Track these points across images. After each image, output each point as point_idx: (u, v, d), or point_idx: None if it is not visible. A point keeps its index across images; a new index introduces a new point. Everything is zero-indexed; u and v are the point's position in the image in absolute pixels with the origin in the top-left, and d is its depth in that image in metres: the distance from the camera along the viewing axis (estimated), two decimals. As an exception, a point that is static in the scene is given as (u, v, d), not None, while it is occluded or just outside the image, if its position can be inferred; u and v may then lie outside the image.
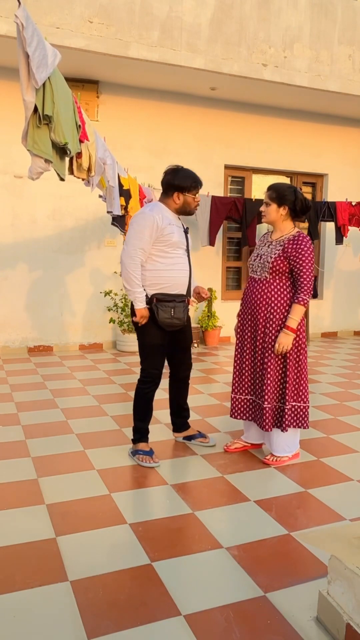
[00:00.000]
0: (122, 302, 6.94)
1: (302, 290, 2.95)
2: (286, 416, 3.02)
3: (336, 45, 6.72)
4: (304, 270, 2.94)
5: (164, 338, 3.12)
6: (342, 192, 8.13)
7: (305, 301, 2.95)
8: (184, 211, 3.12)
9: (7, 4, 5.16)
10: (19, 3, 2.56)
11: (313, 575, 2.03)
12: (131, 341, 6.80)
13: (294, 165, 7.92)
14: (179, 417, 3.47)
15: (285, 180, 8.04)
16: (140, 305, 3.01)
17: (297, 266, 2.95)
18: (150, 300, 3.02)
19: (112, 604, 1.85)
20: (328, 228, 8.07)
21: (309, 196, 8.23)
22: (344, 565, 1.65)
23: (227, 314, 7.60)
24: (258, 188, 7.92)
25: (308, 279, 2.95)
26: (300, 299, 2.95)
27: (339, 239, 7.60)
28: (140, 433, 3.21)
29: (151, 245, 2.99)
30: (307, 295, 2.95)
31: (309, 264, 2.95)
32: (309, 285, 2.95)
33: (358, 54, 6.86)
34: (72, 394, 4.67)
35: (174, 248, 3.04)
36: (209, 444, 3.39)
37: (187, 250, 3.16)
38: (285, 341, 2.96)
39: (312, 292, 2.98)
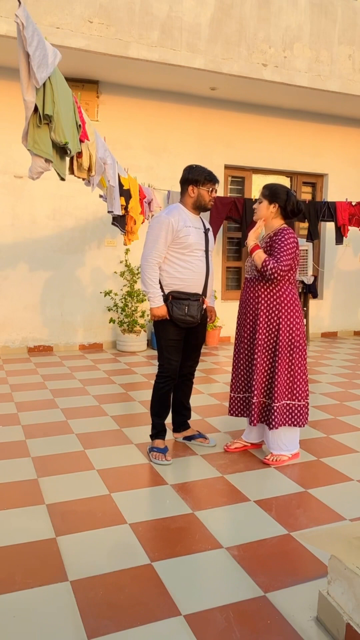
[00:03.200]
0: (122, 302, 6.94)
1: (275, 258, 2.93)
2: (275, 414, 3.03)
3: (336, 45, 6.72)
4: (281, 251, 2.94)
5: (179, 334, 3.20)
6: (342, 192, 8.13)
7: (271, 267, 2.91)
8: (200, 205, 3.19)
9: (7, 4, 5.16)
10: (19, 3, 2.56)
11: (313, 575, 2.02)
12: (131, 341, 6.80)
13: (294, 165, 7.92)
14: (180, 415, 3.48)
15: (285, 180, 8.04)
16: (155, 305, 3.09)
17: (275, 248, 2.97)
18: (166, 298, 3.13)
19: (112, 604, 1.85)
20: (328, 228, 8.07)
21: (308, 196, 8.23)
22: (344, 565, 1.65)
23: (227, 314, 7.60)
24: (258, 188, 7.91)
25: (283, 256, 2.92)
26: (269, 260, 2.93)
27: (339, 239, 7.60)
28: (156, 429, 3.28)
29: (167, 247, 3.09)
30: (276, 264, 2.91)
31: (287, 249, 2.94)
32: (281, 259, 2.92)
33: (358, 54, 6.86)
34: (72, 394, 4.67)
35: (191, 250, 3.12)
36: (209, 445, 3.40)
37: (207, 251, 3.23)
38: (252, 237, 3.07)
39: (282, 267, 2.92)
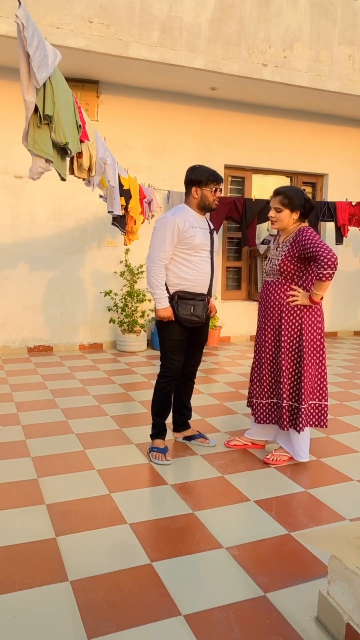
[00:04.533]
0: (122, 302, 6.94)
1: (321, 264, 2.85)
2: (302, 416, 3.00)
3: (336, 45, 6.72)
4: (316, 248, 2.86)
5: (183, 334, 3.20)
6: (342, 192, 8.13)
7: (326, 275, 2.85)
8: (204, 206, 3.18)
9: (7, 4, 5.15)
10: (19, 3, 2.56)
11: (313, 575, 2.03)
12: (131, 341, 6.80)
13: (294, 165, 7.92)
14: (180, 414, 3.48)
15: (286, 180, 8.04)
16: (161, 306, 3.09)
17: (308, 250, 2.89)
18: (172, 297, 3.13)
19: (112, 604, 1.85)
20: (328, 228, 8.06)
21: (308, 196, 8.22)
22: (344, 565, 1.65)
23: (227, 314, 7.61)
24: (258, 188, 7.92)
25: (324, 253, 2.83)
26: (321, 274, 2.86)
27: (339, 239, 7.60)
28: (157, 429, 3.28)
29: (173, 248, 3.09)
30: (329, 268, 2.83)
31: (318, 242, 2.88)
32: (327, 258, 2.82)
33: (358, 54, 6.86)
34: (72, 394, 4.67)
35: (196, 250, 3.12)
36: (209, 445, 3.40)
37: (212, 251, 3.23)
38: (301, 298, 2.98)
39: (335, 264, 2.83)
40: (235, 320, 7.68)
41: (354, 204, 7.54)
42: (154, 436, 3.28)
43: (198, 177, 3.12)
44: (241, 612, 1.82)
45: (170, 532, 2.34)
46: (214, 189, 3.13)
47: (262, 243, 7.31)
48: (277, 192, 3.08)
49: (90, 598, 1.88)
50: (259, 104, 7.48)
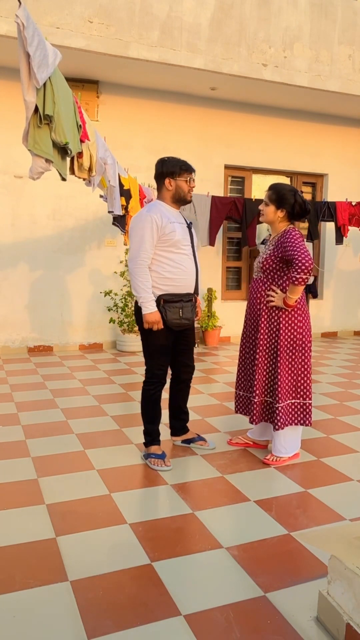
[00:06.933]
0: (122, 302, 6.94)
1: (295, 269, 2.88)
2: (279, 415, 3.02)
3: (336, 45, 6.72)
4: (294, 251, 2.89)
5: (169, 338, 3.09)
6: (342, 192, 8.13)
7: (299, 279, 2.88)
8: (180, 198, 3.06)
9: (7, 4, 5.16)
10: (20, 3, 2.56)
11: (313, 575, 2.03)
12: (131, 341, 6.80)
13: (294, 165, 7.92)
14: (178, 419, 3.43)
15: (285, 180, 8.04)
16: (148, 310, 2.94)
17: (288, 252, 2.93)
18: (157, 302, 2.99)
19: (112, 604, 1.85)
20: (328, 228, 8.07)
21: (308, 196, 8.23)
22: (344, 565, 1.65)
23: (227, 314, 7.61)
24: (258, 188, 7.91)
25: (300, 257, 2.86)
26: (294, 277, 2.90)
27: (339, 239, 7.60)
28: (151, 436, 3.18)
29: (154, 246, 2.95)
30: (302, 273, 2.87)
31: (298, 245, 2.90)
32: (301, 262, 2.85)
33: (358, 54, 6.86)
34: (72, 394, 4.67)
35: (178, 247, 3.00)
36: (208, 448, 3.36)
37: (192, 246, 3.12)
38: (277, 300, 3.01)
39: (308, 270, 2.86)
40: (235, 320, 7.67)
41: (354, 204, 7.54)
42: (148, 444, 3.18)
43: (170, 168, 3.00)
44: (241, 612, 1.82)
45: (170, 532, 2.34)
46: (187, 178, 3.02)
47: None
48: (270, 187, 3.12)
49: (90, 598, 1.88)
50: (259, 104, 7.48)
